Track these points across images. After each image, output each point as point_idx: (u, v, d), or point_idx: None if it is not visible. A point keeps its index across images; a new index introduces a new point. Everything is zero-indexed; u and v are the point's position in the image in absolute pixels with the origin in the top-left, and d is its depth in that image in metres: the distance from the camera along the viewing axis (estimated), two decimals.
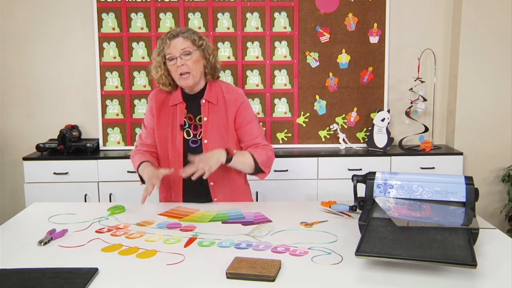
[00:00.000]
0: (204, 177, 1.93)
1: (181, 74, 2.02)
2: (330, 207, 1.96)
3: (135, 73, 3.39)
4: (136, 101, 3.40)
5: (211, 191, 2.12)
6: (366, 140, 3.43)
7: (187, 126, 2.10)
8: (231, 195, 2.16)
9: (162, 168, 2.08)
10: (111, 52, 3.37)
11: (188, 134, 2.10)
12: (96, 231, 1.73)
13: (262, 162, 2.07)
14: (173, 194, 2.15)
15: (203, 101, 2.10)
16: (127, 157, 3.18)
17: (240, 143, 2.16)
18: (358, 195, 1.80)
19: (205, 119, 2.09)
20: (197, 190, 2.10)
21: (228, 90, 2.14)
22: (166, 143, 2.11)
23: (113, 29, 3.35)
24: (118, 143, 3.43)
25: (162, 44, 2.04)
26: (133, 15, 3.34)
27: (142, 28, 3.35)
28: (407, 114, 3.41)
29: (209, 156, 1.96)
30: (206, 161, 1.93)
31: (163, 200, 2.20)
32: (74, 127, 3.38)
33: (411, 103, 3.40)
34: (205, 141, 2.08)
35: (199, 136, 2.09)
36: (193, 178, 1.93)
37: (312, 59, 3.41)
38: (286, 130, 3.46)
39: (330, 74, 3.42)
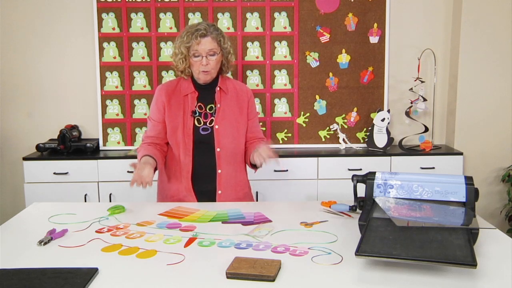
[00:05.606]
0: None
1: (202, 71, 2.13)
2: (330, 207, 1.96)
3: (135, 73, 3.39)
4: (136, 101, 3.40)
5: (217, 178, 2.18)
6: (366, 140, 3.43)
7: (197, 114, 2.18)
8: (235, 187, 2.23)
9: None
10: (111, 52, 3.37)
11: (199, 122, 2.18)
12: (96, 231, 1.73)
13: None
14: (183, 179, 2.18)
15: (218, 88, 2.22)
16: (127, 157, 3.19)
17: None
18: (358, 195, 1.80)
19: (218, 105, 2.20)
20: (204, 177, 2.18)
21: (238, 83, 2.34)
22: (177, 131, 2.17)
23: (113, 29, 3.35)
24: (118, 143, 3.43)
25: (191, 40, 2.11)
26: (133, 15, 3.34)
27: (142, 28, 3.35)
28: (407, 114, 3.41)
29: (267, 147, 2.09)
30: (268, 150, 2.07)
31: (175, 191, 2.21)
32: (74, 127, 3.38)
33: (411, 103, 3.40)
34: (216, 127, 2.17)
35: (210, 124, 2.17)
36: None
37: (312, 59, 3.41)
38: (286, 130, 3.46)
39: (330, 74, 3.42)
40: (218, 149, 2.17)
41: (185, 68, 2.19)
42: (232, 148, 2.19)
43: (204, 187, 2.18)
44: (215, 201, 2.19)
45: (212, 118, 2.18)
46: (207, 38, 2.11)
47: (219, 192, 2.18)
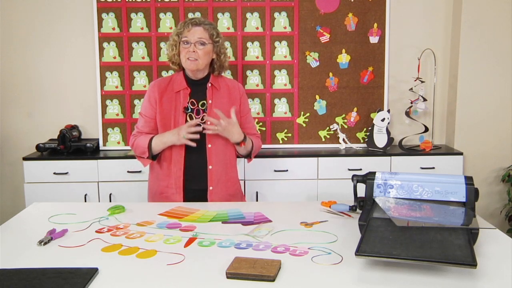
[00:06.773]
0: (211, 132, 2.09)
1: (188, 58, 2.15)
2: (330, 207, 1.96)
3: (135, 73, 3.39)
4: (136, 101, 3.40)
5: (208, 174, 2.19)
6: (366, 140, 3.43)
7: (189, 110, 2.20)
8: (225, 183, 2.24)
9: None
10: (111, 52, 3.37)
11: (191, 118, 2.19)
12: (96, 231, 1.73)
13: (254, 151, 2.33)
14: (174, 176, 2.18)
15: (209, 84, 2.24)
16: (127, 157, 3.19)
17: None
18: (358, 195, 1.80)
19: (209, 101, 2.21)
20: (196, 174, 2.19)
21: (230, 80, 2.37)
22: (169, 127, 2.19)
23: (113, 29, 3.35)
24: (118, 143, 3.43)
25: (183, 26, 2.18)
26: (133, 15, 3.34)
27: (142, 28, 3.35)
28: (407, 114, 3.41)
29: (233, 124, 2.13)
30: (229, 123, 2.10)
31: (164, 188, 2.22)
32: (74, 127, 3.38)
33: (411, 103, 3.40)
34: (208, 123, 2.16)
35: (202, 120, 2.18)
36: (207, 130, 2.08)
37: (312, 59, 3.41)
38: (286, 130, 3.46)
39: (330, 74, 3.42)
40: (209, 145, 2.18)
41: (174, 55, 2.21)
42: (223, 145, 2.20)
43: (195, 184, 2.19)
44: (206, 197, 2.20)
45: (204, 114, 2.20)
46: (199, 27, 2.16)
47: (210, 188, 2.20)
